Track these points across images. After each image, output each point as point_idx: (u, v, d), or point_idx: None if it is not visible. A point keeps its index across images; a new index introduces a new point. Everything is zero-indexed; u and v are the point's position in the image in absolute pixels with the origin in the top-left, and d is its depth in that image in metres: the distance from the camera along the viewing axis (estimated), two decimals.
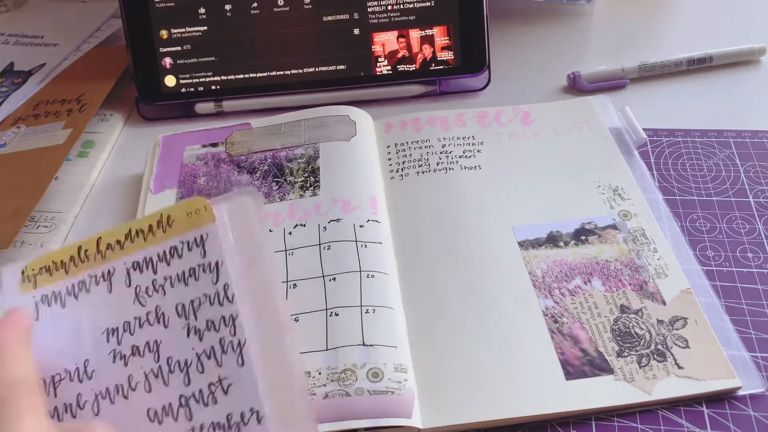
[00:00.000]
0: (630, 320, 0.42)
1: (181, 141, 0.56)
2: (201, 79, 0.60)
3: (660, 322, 0.41)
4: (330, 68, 0.60)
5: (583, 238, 0.46)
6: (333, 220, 0.47)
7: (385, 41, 0.59)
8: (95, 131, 0.60)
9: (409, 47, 0.59)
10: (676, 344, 0.40)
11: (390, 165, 0.53)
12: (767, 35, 0.63)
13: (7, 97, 0.63)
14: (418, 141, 0.54)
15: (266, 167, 0.53)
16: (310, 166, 0.52)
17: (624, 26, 0.67)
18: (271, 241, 0.47)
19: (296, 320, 0.42)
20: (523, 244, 0.46)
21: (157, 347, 0.34)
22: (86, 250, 0.36)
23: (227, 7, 0.59)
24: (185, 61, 0.60)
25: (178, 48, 0.60)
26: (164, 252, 0.35)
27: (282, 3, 0.59)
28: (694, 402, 0.39)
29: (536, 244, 0.46)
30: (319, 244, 0.46)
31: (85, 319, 0.35)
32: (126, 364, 0.34)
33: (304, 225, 0.48)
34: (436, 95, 0.61)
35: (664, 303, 0.42)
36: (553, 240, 0.46)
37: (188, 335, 0.34)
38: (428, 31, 0.59)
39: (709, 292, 0.43)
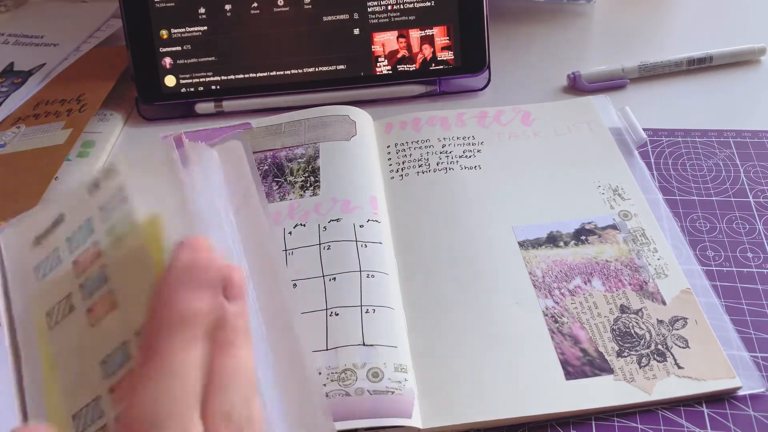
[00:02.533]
0: (630, 320, 0.42)
1: None
2: (201, 79, 0.60)
3: (660, 322, 0.41)
4: (330, 68, 0.60)
5: (583, 238, 0.46)
6: (333, 220, 0.47)
7: (385, 41, 0.59)
8: (95, 131, 0.60)
9: (409, 47, 0.59)
10: (676, 344, 0.40)
11: (390, 165, 0.53)
12: (767, 35, 0.63)
13: (7, 97, 0.63)
14: (418, 141, 0.54)
15: (266, 167, 0.53)
16: (310, 166, 0.52)
17: (624, 26, 0.67)
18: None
19: None
20: (523, 244, 0.46)
21: None
22: None
23: (227, 7, 0.59)
24: (185, 61, 0.60)
25: (178, 48, 0.60)
26: None
27: (282, 3, 0.59)
28: (694, 402, 0.39)
29: (536, 244, 0.46)
30: (319, 243, 0.46)
31: None
32: None
33: (304, 225, 0.48)
34: (436, 95, 0.61)
35: (664, 303, 0.42)
36: (553, 240, 0.46)
37: None
38: (428, 31, 0.59)
39: (709, 292, 0.43)
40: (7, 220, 0.37)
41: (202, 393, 0.27)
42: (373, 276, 0.44)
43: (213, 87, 0.60)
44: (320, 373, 0.39)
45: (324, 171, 0.51)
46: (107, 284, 0.33)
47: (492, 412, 0.38)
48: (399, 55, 0.60)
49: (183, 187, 0.34)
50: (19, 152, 0.56)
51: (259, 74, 0.60)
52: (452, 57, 0.59)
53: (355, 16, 0.59)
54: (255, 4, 0.59)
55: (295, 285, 0.44)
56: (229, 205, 0.36)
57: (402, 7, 0.59)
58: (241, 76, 0.60)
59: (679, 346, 0.40)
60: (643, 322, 0.41)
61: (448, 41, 0.59)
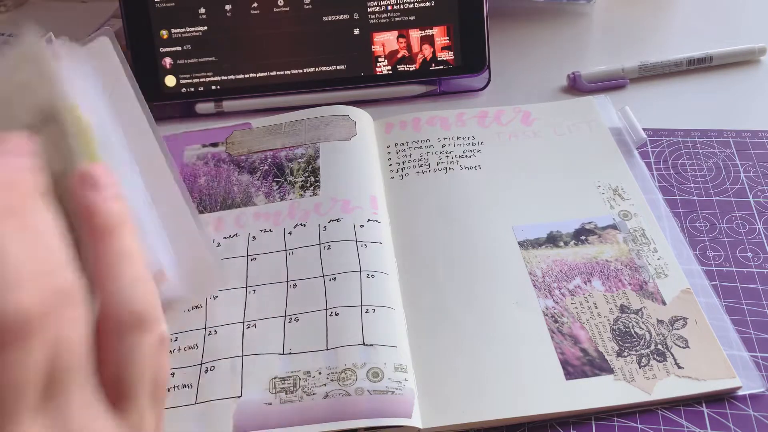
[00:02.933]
0: (630, 320, 0.42)
1: (182, 141, 0.56)
2: (201, 79, 0.60)
3: (660, 322, 0.41)
4: (330, 68, 0.60)
5: (583, 238, 0.46)
6: (333, 220, 0.47)
7: (385, 41, 0.59)
8: None
9: (409, 47, 0.59)
10: (676, 344, 0.40)
11: (390, 165, 0.53)
12: (767, 35, 0.63)
13: None
14: (418, 141, 0.54)
15: (266, 167, 0.53)
16: (310, 166, 0.52)
17: (624, 26, 0.67)
18: (271, 240, 0.47)
19: (296, 320, 0.42)
20: (523, 244, 0.46)
21: None
22: None
23: (227, 7, 0.59)
24: (185, 61, 0.60)
25: (178, 48, 0.60)
26: None
27: (282, 3, 0.59)
28: (694, 402, 0.39)
29: (536, 244, 0.46)
30: (320, 243, 0.46)
31: None
32: None
33: (305, 225, 0.48)
34: (436, 95, 0.61)
35: (664, 303, 0.42)
36: (553, 240, 0.46)
37: None
38: (428, 31, 0.59)
39: (709, 292, 0.43)
40: None
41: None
42: (373, 276, 0.44)
43: (213, 87, 0.60)
44: (320, 373, 0.40)
45: (324, 171, 0.51)
46: None
47: (492, 412, 0.38)
48: (399, 55, 0.60)
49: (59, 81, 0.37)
50: None
51: (259, 74, 0.60)
52: (452, 57, 0.59)
53: (355, 16, 0.59)
54: (255, 4, 0.59)
55: (295, 285, 0.44)
56: (102, 95, 0.38)
57: (402, 7, 0.59)
58: (241, 76, 0.60)
59: (679, 346, 0.40)
60: (643, 322, 0.41)
61: (448, 41, 0.59)
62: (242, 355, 0.41)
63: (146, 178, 0.37)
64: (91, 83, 0.39)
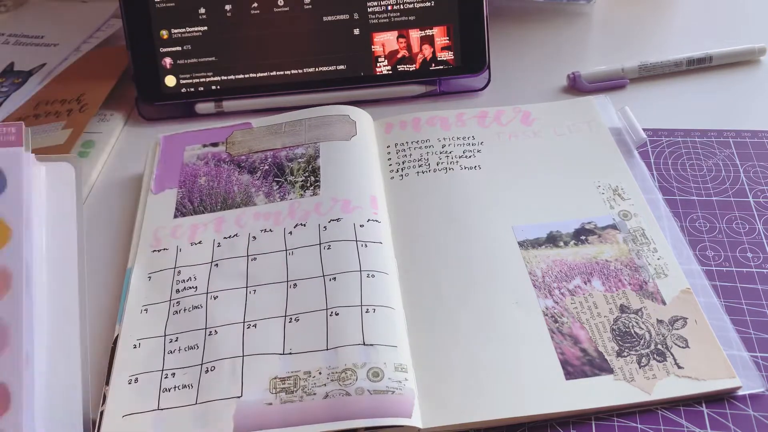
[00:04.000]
0: (630, 320, 0.42)
1: (182, 141, 0.56)
2: (201, 79, 0.60)
3: (660, 322, 0.41)
4: (330, 68, 0.60)
5: (583, 238, 0.46)
6: (333, 220, 0.47)
7: (385, 41, 0.59)
8: (95, 131, 0.60)
9: (409, 47, 0.59)
10: (675, 344, 0.40)
11: (390, 165, 0.53)
12: (767, 35, 0.63)
13: (8, 97, 0.63)
14: (418, 141, 0.54)
15: (267, 167, 0.53)
16: (310, 166, 0.52)
17: (624, 26, 0.67)
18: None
19: (297, 320, 0.42)
20: (523, 244, 0.46)
21: None
22: None
23: (227, 7, 0.59)
24: (185, 61, 0.60)
25: (179, 48, 0.60)
26: None
27: (282, 3, 0.59)
28: (694, 402, 0.39)
29: (536, 244, 0.46)
30: (320, 243, 0.46)
31: None
32: None
33: (305, 225, 0.48)
34: (436, 95, 0.61)
35: (664, 303, 0.42)
36: (553, 240, 0.46)
37: None
38: (428, 31, 0.59)
39: (709, 292, 0.43)
40: None
41: None
42: (373, 276, 0.44)
43: (213, 87, 0.60)
44: (320, 373, 0.40)
45: (324, 171, 0.51)
46: None
47: (492, 412, 0.38)
48: (399, 55, 0.60)
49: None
50: None
51: (259, 74, 0.60)
52: (452, 57, 0.60)
53: (355, 16, 0.59)
54: (255, 4, 0.59)
55: (295, 285, 0.44)
56: (44, 225, 0.37)
57: (402, 7, 0.59)
58: (241, 76, 0.60)
59: (679, 346, 0.40)
60: (642, 322, 0.42)
61: (448, 41, 0.59)
62: (242, 356, 0.41)
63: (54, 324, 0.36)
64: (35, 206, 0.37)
